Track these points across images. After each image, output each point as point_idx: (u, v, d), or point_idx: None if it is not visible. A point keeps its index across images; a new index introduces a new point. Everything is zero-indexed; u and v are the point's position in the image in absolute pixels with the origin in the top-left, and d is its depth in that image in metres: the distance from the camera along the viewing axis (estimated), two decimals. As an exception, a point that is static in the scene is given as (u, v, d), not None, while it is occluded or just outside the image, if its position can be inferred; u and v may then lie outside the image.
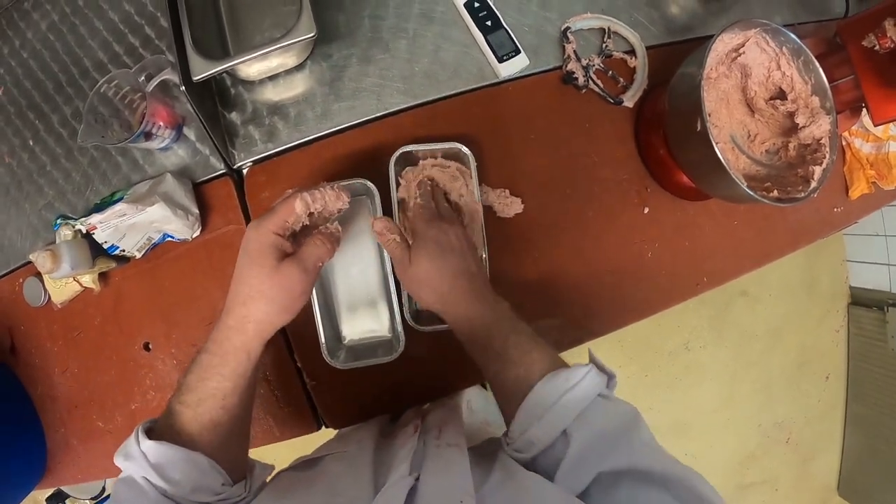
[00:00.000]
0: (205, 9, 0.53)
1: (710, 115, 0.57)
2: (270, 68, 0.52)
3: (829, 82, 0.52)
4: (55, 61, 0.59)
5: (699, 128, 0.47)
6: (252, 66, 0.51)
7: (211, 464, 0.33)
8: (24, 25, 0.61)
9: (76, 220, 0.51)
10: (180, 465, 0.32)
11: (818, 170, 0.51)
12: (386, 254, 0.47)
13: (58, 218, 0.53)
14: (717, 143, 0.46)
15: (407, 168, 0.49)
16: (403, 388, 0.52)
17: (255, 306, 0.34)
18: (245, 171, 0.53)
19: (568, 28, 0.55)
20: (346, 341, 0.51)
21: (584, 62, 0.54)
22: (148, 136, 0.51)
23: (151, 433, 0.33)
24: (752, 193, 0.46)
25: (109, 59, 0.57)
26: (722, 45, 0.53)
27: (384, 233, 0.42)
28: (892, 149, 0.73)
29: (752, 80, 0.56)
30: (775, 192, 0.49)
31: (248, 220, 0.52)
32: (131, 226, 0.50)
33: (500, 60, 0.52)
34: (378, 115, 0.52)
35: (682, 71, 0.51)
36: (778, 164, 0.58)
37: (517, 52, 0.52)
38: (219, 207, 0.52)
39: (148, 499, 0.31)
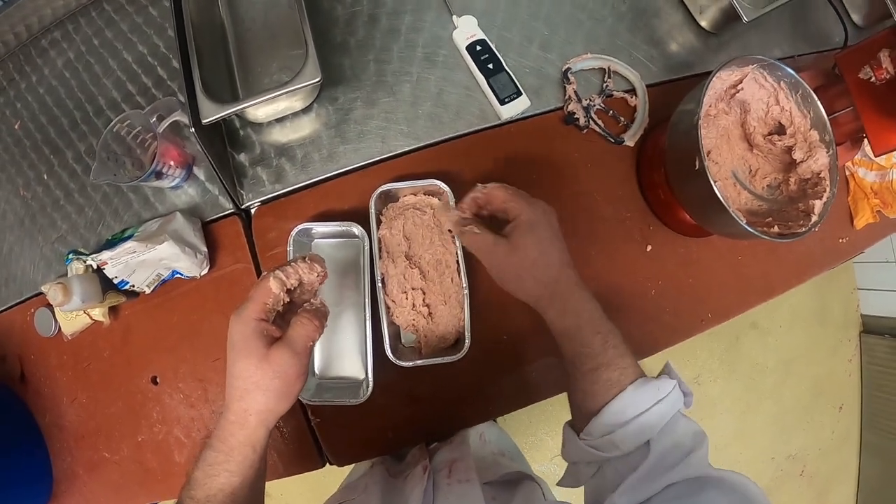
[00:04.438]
0: (215, 52, 0.54)
1: (710, 152, 0.57)
2: (278, 111, 0.53)
3: (829, 114, 0.53)
4: (70, 98, 0.61)
5: (698, 166, 0.47)
6: (260, 109, 0.53)
7: None
8: (42, 62, 0.63)
9: (88, 255, 0.53)
10: None
11: (818, 203, 0.51)
12: (368, 297, 0.47)
13: (70, 252, 0.55)
14: (716, 182, 0.46)
15: (389, 205, 0.50)
16: (407, 426, 0.53)
17: (253, 399, 0.33)
18: (253, 211, 0.54)
19: (569, 69, 0.56)
20: (315, 377, 0.51)
21: (585, 102, 0.55)
22: (159, 175, 0.52)
23: None
24: (751, 230, 0.47)
25: (123, 98, 0.59)
26: (720, 82, 0.54)
27: (462, 228, 0.40)
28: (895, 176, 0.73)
29: (751, 116, 0.57)
30: (776, 227, 0.50)
31: (255, 259, 0.53)
32: (141, 262, 0.51)
33: (503, 102, 0.53)
34: (383, 157, 0.53)
35: (681, 109, 0.51)
36: (780, 199, 0.58)
37: (519, 93, 0.53)
38: (227, 246, 0.54)
39: None
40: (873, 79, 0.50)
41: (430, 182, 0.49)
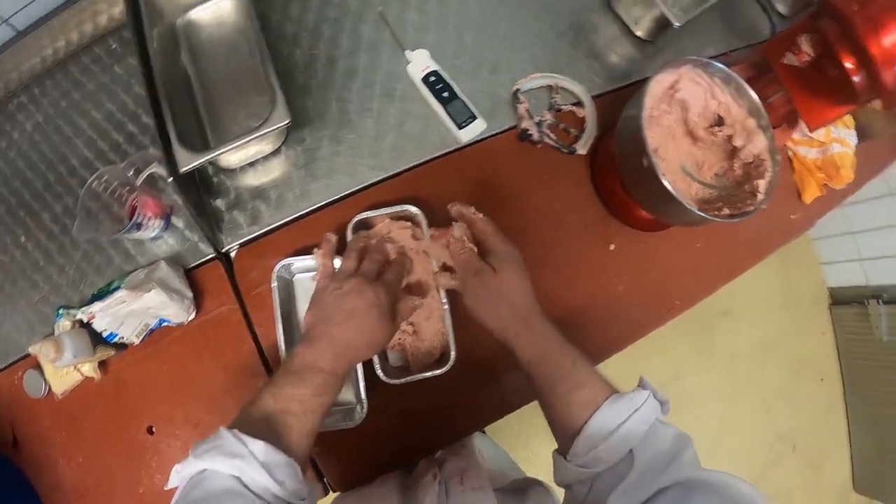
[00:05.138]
0: (182, 103, 0.57)
1: (657, 150, 0.62)
2: (249, 156, 0.56)
3: (763, 100, 0.56)
4: (42, 161, 0.62)
5: (646, 164, 0.51)
6: (233, 155, 0.55)
7: (301, 473, 0.35)
8: (10, 127, 0.64)
9: (77, 309, 0.54)
10: (285, 469, 0.34)
11: (763, 182, 0.55)
12: None
13: (59, 308, 0.55)
14: (664, 175, 0.49)
15: (361, 232, 0.53)
16: (405, 442, 0.55)
17: (369, 349, 0.42)
18: (233, 254, 0.56)
19: (518, 90, 0.60)
20: None
21: (537, 119, 0.59)
22: (139, 227, 0.54)
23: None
24: (703, 215, 0.50)
25: (95, 157, 0.61)
26: (657, 86, 0.58)
27: (461, 244, 0.45)
28: (836, 150, 0.79)
29: (691, 113, 0.60)
30: (726, 209, 0.53)
31: (240, 300, 0.55)
32: (129, 313, 0.52)
33: (460, 127, 0.56)
34: (352, 190, 0.56)
35: (625, 115, 0.56)
36: (728, 185, 0.62)
37: (474, 117, 0.57)
38: (211, 290, 0.55)
39: (245, 498, 0.32)
40: (797, 63, 0.54)
41: (401, 208, 0.52)
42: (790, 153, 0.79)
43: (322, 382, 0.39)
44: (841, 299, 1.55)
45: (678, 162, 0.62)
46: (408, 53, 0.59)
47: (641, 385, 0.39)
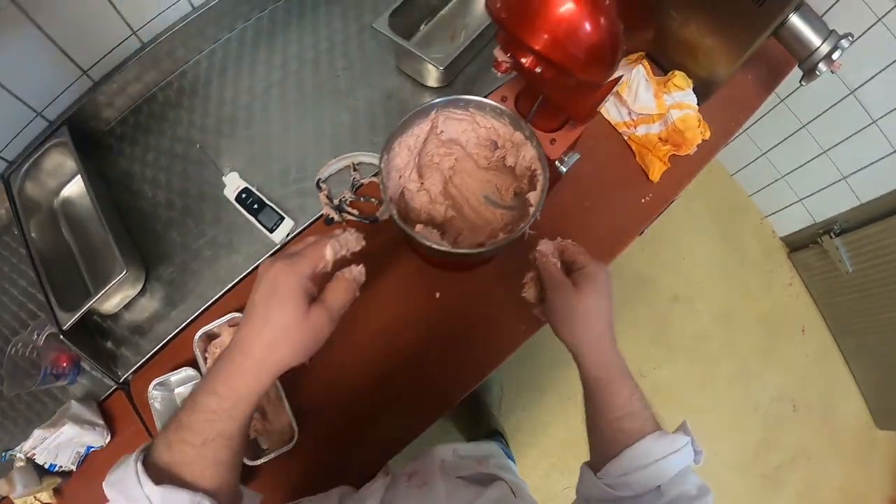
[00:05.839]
0: (70, 271, 0.70)
1: (457, 185, 0.66)
2: (119, 302, 0.68)
3: (530, 112, 0.58)
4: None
5: (387, 216, 0.55)
6: (107, 302, 0.68)
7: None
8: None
9: (16, 451, 0.68)
10: None
11: (534, 194, 0.55)
12: None
13: (3, 452, 0.68)
14: (404, 222, 0.52)
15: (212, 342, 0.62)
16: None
17: (281, 350, 0.33)
18: (130, 382, 0.68)
19: (319, 179, 0.68)
20: None
21: (337, 201, 0.67)
22: (57, 377, 0.68)
23: (150, 470, 0.32)
24: (449, 249, 0.51)
25: (20, 325, 0.75)
26: (413, 139, 0.60)
27: (549, 259, 0.46)
28: (676, 116, 0.79)
29: (469, 146, 0.65)
30: (500, 234, 0.57)
31: (143, 421, 0.67)
32: (57, 445, 0.65)
33: (271, 231, 0.65)
34: (206, 306, 0.66)
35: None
36: (520, 203, 0.63)
37: (282, 219, 0.66)
38: (121, 416, 0.67)
39: None
40: (499, 74, 0.51)
41: (235, 315, 0.62)
42: (625, 138, 0.81)
43: (216, 407, 0.34)
44: (796, 244, 1.47)
45: (480, 193, 0.67)
46: (223, 178, 0.69)
47: (683, 430, 0.40)
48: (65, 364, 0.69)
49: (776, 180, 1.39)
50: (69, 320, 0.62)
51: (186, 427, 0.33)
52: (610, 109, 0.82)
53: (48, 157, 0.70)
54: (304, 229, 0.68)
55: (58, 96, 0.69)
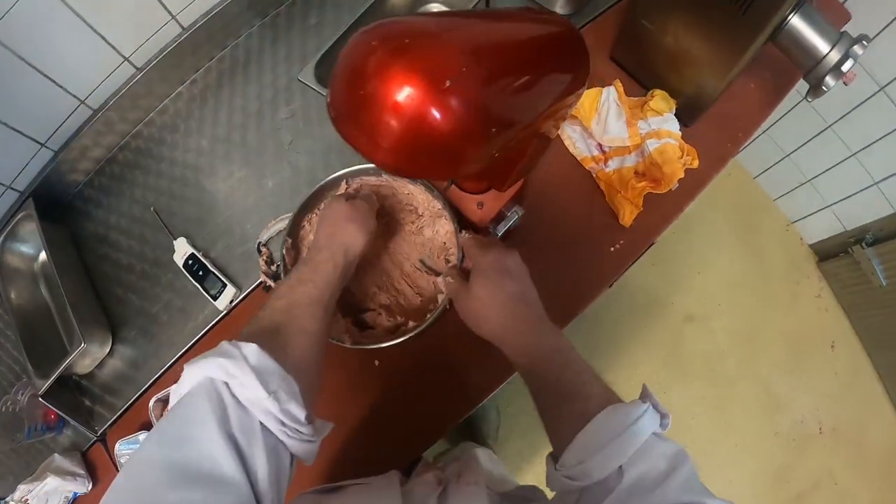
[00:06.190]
0: (48, 324, 0.76)
1: (392, 254, 0.63)
2: (91, 363, 0.72)
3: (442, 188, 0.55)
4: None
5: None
6: (79, 363, 0.72)
7: (298, 392, 0.32)
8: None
9: (9, 499, 0.75)
10: (278, 379, 0.31)
11: (440, 282, 0.54)
12: None
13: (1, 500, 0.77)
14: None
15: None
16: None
17: (346, 229, 0.47)
18: (107, 435, 0.73)
19: (259, 242, 0.67)
20: None
21: (275, 267, 0.66)
22: (45, 430, 0.74)
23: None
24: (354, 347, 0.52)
25: (7, 384, 0.81)
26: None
27: (445, 278, 0.47)
28: (653, 147, 0.70)
29: (394, 212, 0.62)
30: (410, 322, 0.55)
31: (117, 470, 0.72)
32: (46, 493, 0.72)
33: (214, 298, 0.66)
34: (164, 368, 0.69)
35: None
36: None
37: (224, 285, 0.66)
38: (102, 465, 0.72)
39: (222, 405, 0.29)
40: None
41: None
42: (593, 175, 0.73)
43: (299, 276, 0.41)
44: (826, 253, 1.30)
45: (416, 257, 0.63)
46: (175, 243, 0.71)
47: (642, 396, 0.36)
48: (52, 417, 0.75)
49: (801, 184, 1.24)
50: (44, 385, 0.67)
51: (276, 294, 0.39)
52: (576, 142, 0.74)
53: (21, 226, 0.74)
54: (247, 295, 0.68)
55: (23, 169, 0.73)
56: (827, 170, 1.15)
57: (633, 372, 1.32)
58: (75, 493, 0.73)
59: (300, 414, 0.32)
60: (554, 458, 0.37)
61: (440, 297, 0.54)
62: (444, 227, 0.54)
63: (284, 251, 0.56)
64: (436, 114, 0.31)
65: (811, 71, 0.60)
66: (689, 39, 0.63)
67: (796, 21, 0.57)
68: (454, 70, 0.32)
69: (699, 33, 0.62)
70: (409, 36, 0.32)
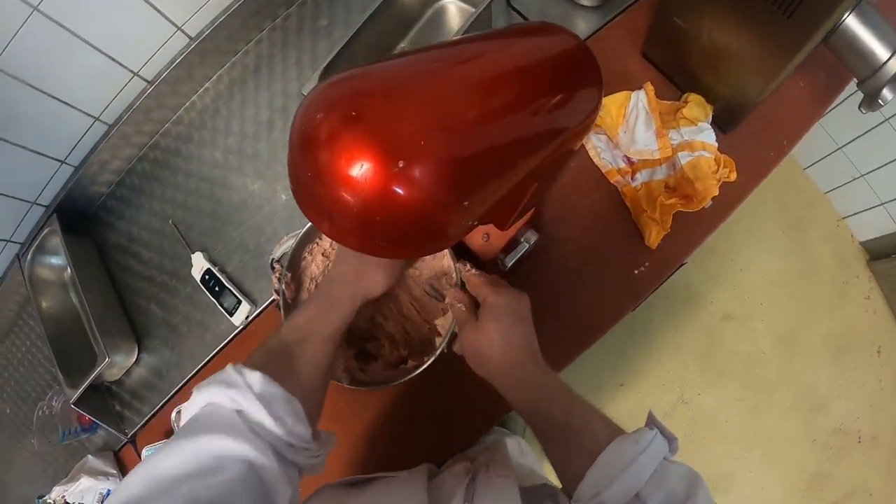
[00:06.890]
0: (80, 331, 0.79)
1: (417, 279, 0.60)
2: (118, 371, 0.75)
3: None
4: (18, 397, 0.87)
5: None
6: (108, 372, 0.75)
7: (304, 413, 0.34)
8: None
9: (48, 496, 0.80)
10: (283, 405, 0.32)
11: (441, 321, 0.52)
12: None
13: (38, 498, 0.82)
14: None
15: None
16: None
17: (367, 274, 0.45)
18: (137, 437, 0.77)
19: (273, 259, 0.67)
20: None
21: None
22: (77, 433, 0.79)
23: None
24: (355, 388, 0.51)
25: (46, 386, 0.85)
26: (329, 241, 0.59)
27: (454, 303, 0.46)
28: (684, 160, 0.64)
29: None
30: (409, 361, 0.53)
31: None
32: (81, 490, 0.77)
33: (230, 314, 0.67)
34: (185, 380, 0.71)
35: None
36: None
37: (240, 302, 0.67)
38: (131, 465, 0.76)
39: (237, 431, 0.30)
40: None
41: None
42: (619, 189, 0.67)
43: (322, 305, 0.42)
44: (877, 253, 1.19)
45: (427, 281, 0.60)
46: (192, 257, 0.71)
47: (648, 423, 0.37)
48: (86, 420, 0.79)
49: (854, 179, 1.13)
50: (75, 394, 0.70)
51: (287, 331, 0.40)
52: (602, 152, 0.69)
53: (49, 240, 0.77)
54: (262, 311, 0.68)
55: (46, 184, 0.75)
56: (882, 166, 1.05)
57: (666, 372, 1.28)
58: (109, 490, 0.77)
59: (306, 433, 0.33)
60: (567, 493, 0.37)
61: (447, 326, 0.52)
62: (445, 261, 0.52)
63: (284, 286, 0.54)
64: (398, 190, 0.28)
65: (867, 80, 0.53)
66: (727, 40, 0.57)
67: (851, 22, 0.50)
68: (411, 145, 0.28)
69: (738, 35, 0.56)
70: (361, 100, 0.29)
